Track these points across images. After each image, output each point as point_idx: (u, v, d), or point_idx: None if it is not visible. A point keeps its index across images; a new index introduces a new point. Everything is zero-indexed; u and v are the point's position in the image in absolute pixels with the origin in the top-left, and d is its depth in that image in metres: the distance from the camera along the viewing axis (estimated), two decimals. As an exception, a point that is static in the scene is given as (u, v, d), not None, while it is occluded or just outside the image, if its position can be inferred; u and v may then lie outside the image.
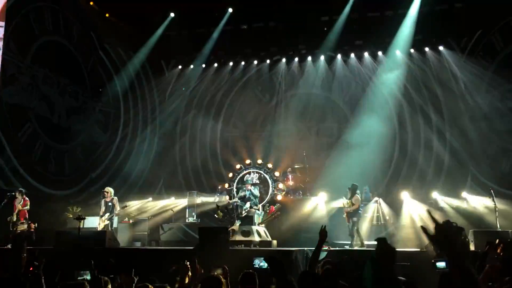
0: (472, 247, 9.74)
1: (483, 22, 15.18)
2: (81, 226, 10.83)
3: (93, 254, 9.02)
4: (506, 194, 14.04)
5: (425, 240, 8.94)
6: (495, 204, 11.59)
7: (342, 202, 12.43)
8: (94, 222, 12.30)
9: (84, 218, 10.59)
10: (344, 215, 12.16)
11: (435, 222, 2.12)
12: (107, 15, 15.97)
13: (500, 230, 10.89)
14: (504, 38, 15.01)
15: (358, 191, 12.32)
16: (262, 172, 13.93)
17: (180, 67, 19.06)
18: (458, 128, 16.10)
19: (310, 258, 4.68)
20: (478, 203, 13.90)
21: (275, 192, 13.57)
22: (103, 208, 12.42)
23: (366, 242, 11.93)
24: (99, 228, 12.04)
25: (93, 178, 15.94)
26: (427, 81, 16.81)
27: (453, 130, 16.24)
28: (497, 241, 4.70)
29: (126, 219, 14.21)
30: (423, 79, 16.87)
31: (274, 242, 12.22)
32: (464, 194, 14.60)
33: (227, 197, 13.95)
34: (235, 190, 13.66)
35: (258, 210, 12.76)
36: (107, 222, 12.20)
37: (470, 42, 15.99)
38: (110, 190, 12.70)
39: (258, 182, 13.78)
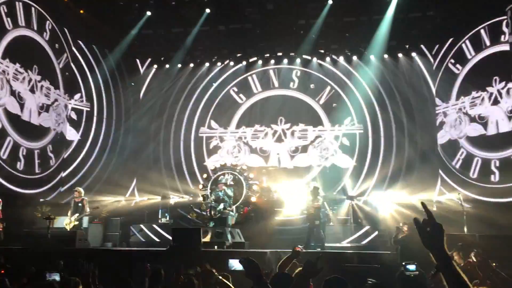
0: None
1: (454, 30, 15.55)
2: (51, 226, 10.64)
3: (63, 254, 8.88)
4: (473, 199, 14.44)
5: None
6: (463, 208, 11.87)
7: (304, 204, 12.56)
8: (63, 222, 12.09)
9: (54, 218, 10.41)
10: (307, 215, 12.24)
11: (428, 214, 2.15)
12: (81, 11, 15.67)
13: (467, 233, 11.15)
14: (474, 47, 15.41)
15: (320, 193, 12.38)
16: (236, 173, 13.96)
17: (155, 66, 18.91)
18: (428, 134, 16.47)
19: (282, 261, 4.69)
20: (447, 206, 14.29)
21: (249, 193, 13.61)
22: (72, 208, 12.22)
23: (337, 244, 12.09)
24: (68, 228, 11.84)
25: (64, 177, 15.64)
26: (400, 86, 17.15)
27: (423, 135, 16.61)
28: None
29: (97, 219, 14.00)
30: (396, 84, 17.20)
31: (247, 243, 12.24)
32: (433, 197, 14.98)
33: (201, 198, 13.91)
34: (209, 191, 13.63)
35: (232, 211, 12.77)
36: (76, 222, 12.01)
37: (442, 49, 16.37)
38: (80, 190, 12.51)
39: (232, 183, 13.80)
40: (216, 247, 11.20)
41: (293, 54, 17.86)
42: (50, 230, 10.64)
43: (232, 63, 18.59)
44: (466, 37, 15.34)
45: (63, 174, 15.70)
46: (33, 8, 14.29)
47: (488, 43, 14.73)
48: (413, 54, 17.02)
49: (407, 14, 15.64)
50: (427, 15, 15.69)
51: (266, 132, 18.13)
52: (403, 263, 4.55)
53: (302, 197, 12.74)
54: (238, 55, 18.46)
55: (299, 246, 5.56)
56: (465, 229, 11.53)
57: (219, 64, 18.70)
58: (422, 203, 2.29)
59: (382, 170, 16.77)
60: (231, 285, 4.15)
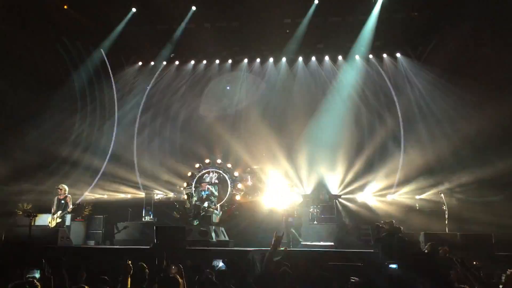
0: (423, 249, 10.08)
1: (438, 31, 15.71)
2: (32, 224, 10.49)
3: (44, 252, 8.77)
4: (457, 198, 14.65)
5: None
6: (445, 207, 12.01)
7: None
8: (46, 220, 11.94)
9: (36, 216, 10.24)
10: (281, 213, 12.30)
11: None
12: (65, 7, 15.45)
13: (448, 232, 11.29)
14: (457, 48, 15.59)
15: (296, 191, 12.47)
16: (221, 172, 13.94)
17: (140, 63, 18.75)
18: (413, 133, 16.63)
19: (265, 259, 4.70)
20: (429, 205, 14.49)
21: (234, 192, 13.60)
22: (55, 206, 12.07)
23: (321, 243, 12.16)
24: (51, 226, 11.70)
25: (46, 174, 15.43)
26: (384, 86, 17.29)
27: (407, 134, 16.77)
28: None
29: (80, 217, 13.84)
30: (381, 84, 17.33)
31: (232, 242, 12.24)
32: (416, 196, 15.16)
33: (185, 196, 13.84)
34: (193, 189, 13.59)
35: (216, 209, 12.75)
36: (59, 220, 11.87)
37: (426, 51, 16.54)
38: (64, 187, 12.36)
39: (217, 181, 13.79)
40: (200, 245, 11.17)
41: (279, 52, 17.83)
42: (32, 228, 10.48)
43: (217, 61, 18.51)
44: (449, 39, 15.53)
45: (46, 171, 15.50)
46: (15, 3, 14.06)
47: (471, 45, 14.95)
48: (398, 55, 17.17)
49: (392, 14, 15.78)
50: (411, 16, 15.81)
51: (251, 131, 18.07)
52: (386, 263, 4.61)
53: (284, 195, 12.80)
54: (224, 53, 18.39)
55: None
56: (446, 228, 11.67)
57: (204, 62, 18.61)
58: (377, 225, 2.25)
59: (367, 169, 16.86)
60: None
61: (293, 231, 11.94)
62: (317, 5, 15.44)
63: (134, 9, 16.04)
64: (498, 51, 13.71)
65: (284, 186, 13.33)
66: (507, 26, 13.69)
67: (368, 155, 17.04)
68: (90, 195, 16.24)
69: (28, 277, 4.94)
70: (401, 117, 16.97)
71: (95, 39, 16.87)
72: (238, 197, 13.48)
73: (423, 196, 15.39)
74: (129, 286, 4.51)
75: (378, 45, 17.04)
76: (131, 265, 4.76)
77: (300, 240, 11.87)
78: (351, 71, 17.52)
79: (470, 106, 14.90)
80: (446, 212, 11.91)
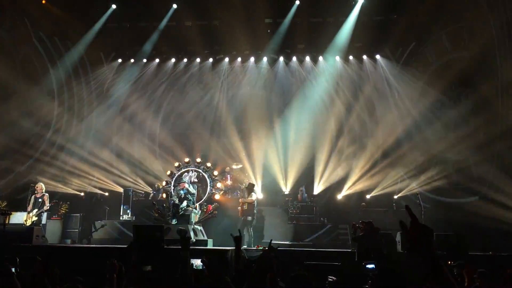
0: (399, 248, 10.25)
1: (417, 35, 15.95)
2: (6, 222, 10.30)
3: (19, 251, 8.62)
4: (433, 199, 14.92)
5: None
6: (421, 207, 12.20)
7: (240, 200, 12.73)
8: (20, 218, 11.74)
9: (10, 214, 10.06)
10: (240, 210, 12.37)
11: (413, 217, 2.06)
12: (43, 1, 15.19)
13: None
14: (436, 51, 15.88)
15: (255, 190, 12.58)
16: (200, 171, 13.89)
17: (120, 60, 18.53)
18: (391, 134, 16.84)
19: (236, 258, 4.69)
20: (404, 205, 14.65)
21: (213, 191, 13.57)
22: (31, 204, 11.87)
23: (300, 242, 12.27)
24: (26, 224, 11.51)
25: (21, 171, 15.15)
26: (364, 88, 17.47)
27: (386, 136, 16.97)
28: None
29: (56, 215, 13.64)
30: (360, 85, 17.51)
31: (211, 241, 12.22)
32: (394, 197, 15.39)
33: (164, 195, 13.75)
34: (172, 188, 13.51)
35: (195, 208, 12.70)
36: (35, 218, 11.68)
37: (405, 53, 16.78)
38: (41, 185, 12.21)
39: (197, 180, 13.73)
40: (178, 244, 11.10)
41: (260, 52, 17.84)
42: (6, 226, 10.29)
43: (198, 60, 18.42)
44: (429, 41, 15.80)
45: (22, 169, 15.22)
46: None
47: (449, 48, 15.24)
48: (377, 57, 17.37)
49: (372, 17, 15.96)
50: (390, 19, 16.01)
51: (231, 130, 18.06)
52: (363, 263, 4.68)
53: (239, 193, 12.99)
54: (205, 51, 18.31)
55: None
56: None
57: (185, 60, 18.50)
58: (407, 207, 2.22)
59: (346, 168, 17.02)
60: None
61: (251, 230, 12.11)
62: (298, 5, 15.53)
63: (114, 6, 15.87)
64: (474, 55, 14.02)
65: (243, 184, 13.49)
66: (483, 30, 13.99)
67: (347, 155, 17.21)
68: (66, 189, 15.98)
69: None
70: (380, 118, 17.17)
71: (74, 35, 16.59)
72: (217, 196, 13.46)
73: (401, 194, 15.65)
74: (115, 285, 4.46)
75: (358, 47, 17.23)
76: (116, 264, 4.71)
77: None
78: (331, 72, 17.66)
79: (447, 108, 15.21)
80: (423, 212, 12.10)
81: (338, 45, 16.65)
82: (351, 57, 17.53)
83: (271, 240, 4.63)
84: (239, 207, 12.47)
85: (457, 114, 14.93)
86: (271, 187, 16.56)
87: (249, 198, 12.30)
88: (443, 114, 15.40)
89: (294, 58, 18.02)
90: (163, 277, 5.04)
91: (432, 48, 16.00)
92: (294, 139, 17.17)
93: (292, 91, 17.99)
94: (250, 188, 12.55)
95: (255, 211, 12.29)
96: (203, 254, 8.98)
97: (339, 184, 16.73)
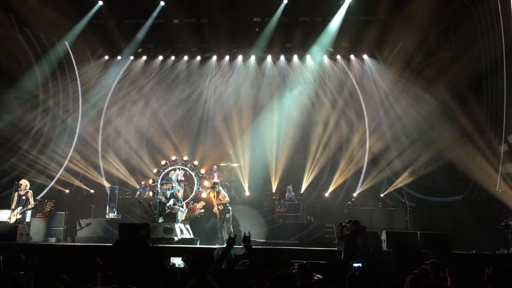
0: (384, 247, 10.32)
1: (404, 35, 16.05)
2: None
3: (2, 249, 8.51)
4: (418, 198, 15.09)
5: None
6: (406, 206, 12.30)
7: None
8: (4, 216, 11.58)
9: (-7, 212, 9.93)
10: (216, 211, 12.37)
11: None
12: (29, -3, 14.98)
13: (410, 231, 11.57)
14: (422, 52, 16.04)
15: (220, 188, 12.57)
16: (187, 169, 13.84)
17: (106, 57, 18.35)
18: (377, 133, 16.98)
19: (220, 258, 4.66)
20: (391, 204, 14.88)
21: (200, 189, 13.53)
22: (15, 201, 11.71)
23: (286, 241, 12.32)
24: (10, 222, 11.36)
25: (5, 168, 14.96)
26: (351, 87, 17.55)
27: (372, 135, 17.10)
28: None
29: (41, 213, 13.49)
30: (348, 85, 17.58)
31: (197, 239, 12.19)
32: (380, 195, 15.53)
33: (151, 193, 13.67)
34: (159, 186, 13.44)
35: (182, 207, 12.64)
36: (19, 216, 11.54)
37: (392, 53, 16.89)
38: (25, 182, 12.02)
39: (183, 179, 13.67)
40: (164, 242, 11.07)
41: (248, 50, 17.80)
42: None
43: (186, 57, 18.33)
44: (416, 42, 15.93)
45: (5, 166, 15.04)
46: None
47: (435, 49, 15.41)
48: (365, 56, 17.45)
49: (359, 17, 16.04)
50: (377, 19, 16.08)
51: (218, 129, 18.02)
52: (349, 262, 4.71)
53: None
54: (193, 49, 18.23)
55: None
56: (408, 226, 11.97)
57: (173, 58, 18.40)
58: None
59: (332, 168, 17.10)
60: None
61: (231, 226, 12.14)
62: (286, 4, 15.54)
63: (101, 2, 15.72)
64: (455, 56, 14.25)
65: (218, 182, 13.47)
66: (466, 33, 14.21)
67: (333, 154, 17.29)
68: (54, 185, 15.86)
69: None
70: (367, 116, 17.27)
71: (59, 31, 16.39)
72: (204, 195, 13.42)
73: (386, 192, 15.78)
74: (100, 283, 4.44)
75: (346, 46, 17.31)
76: (100, 262, 4.69)
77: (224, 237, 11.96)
78: (318, 71, 17.72)
79: (432, 108, 15.40)
80: (408, 211, 12.20)
81: (326, 45, 16.72)
82: (338, 57, 17.60)
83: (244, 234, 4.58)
84: (215, 209, 12.42)
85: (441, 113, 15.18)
86: (258, 186, 16.57)
87: (223, 199, 12.28)
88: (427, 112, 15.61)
89: (282, 57, 18.02)
90: (147, 275, 5.01)
91: (418, 49, 16.17)
92: (282, 137, 17.19)
93: (280, 90, 17.99)
94: (214, 187, 12.54)
95: (229, 207, 12.31)
96: (189, 252, 8.96)
97: (325, 182, 16.82)
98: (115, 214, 14.48)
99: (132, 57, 18.23)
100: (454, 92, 15.09)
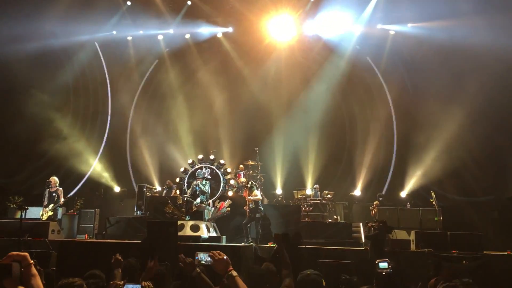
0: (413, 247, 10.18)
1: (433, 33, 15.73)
2: (23, 216, 10.43)
3: (34, 245, 8.75)
4: (448, 198, 14.78)
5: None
6: (435, 206, 12.08)
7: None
8: (37, 213, 11.88)
9: (26, 208, 10.18)
10: (246, 209, 12.33)
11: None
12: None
13: (439, 231, 11.37)
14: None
15: (254, 188, 12.48)
16: (214, 167, 13.90)
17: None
18: (402, 133, 16.73)
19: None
20: (421, 203, 14.62)
21: (226, 188, 13.58)
22: (46, 198, 12.01)
23: (313, 240, 12.24)
24: (43, 219, 11.65)
25: (37, 167, 15.35)
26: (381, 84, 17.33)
27: (399, 135, 16.88)
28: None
29: (72, 210, 13.79)
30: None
31: (224, 237, 12.24)
32: (405, 195, 15.28)
33: (178, 191, 13.81)
34: (186, 184, 13.56)
35: (208, 205, 12.72)
36: (50, 213, 11.82)
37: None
38: (55, 179, 12.30)
39: (210, 177, 13.74)
40: (191, 240, 11.16)
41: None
42: (22, 220, 10.42)
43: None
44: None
45: (38, 164, 15.43)
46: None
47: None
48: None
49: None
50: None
51: (244, 127, 18.03)
52: (376, 261, 4.66)
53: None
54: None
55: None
56: (437, 226, 11.77)
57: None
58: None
59: (359, 168, 16.93)
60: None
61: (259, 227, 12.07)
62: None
63: (129, 2, 15.99)
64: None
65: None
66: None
67: (360, 152, 17.09)
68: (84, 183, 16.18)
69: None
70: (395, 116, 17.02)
71: (88, 32, 16.72)
72: (230, 193, 13.47)
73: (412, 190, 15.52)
74: (118, 280, 4.48)
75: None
76: (121, 258, 4.74)
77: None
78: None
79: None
80: (437, 211, 11.99)
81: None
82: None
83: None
84: (245, 207, 12.41)
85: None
86: (284, 185, 16.55)
87: (255, 196, 12.18)
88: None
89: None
90: (173, 272, 5.07)
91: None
92: (309, 137, 17.08)
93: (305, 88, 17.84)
94: (251, 187, 12.49)
95: (261, 208, 12.21)
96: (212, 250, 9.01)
97: (352, 181, 16.67)
98: (143, 211, 14.69)
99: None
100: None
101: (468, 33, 14.14)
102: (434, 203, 12.21)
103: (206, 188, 12.92)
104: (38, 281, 1.84)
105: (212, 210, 12.78)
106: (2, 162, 14.32)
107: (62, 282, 3.55)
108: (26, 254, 1.80)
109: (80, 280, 3.63)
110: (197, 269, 3.59)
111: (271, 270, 4.08)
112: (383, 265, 4.58)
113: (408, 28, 16.34)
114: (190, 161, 14.28)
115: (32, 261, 1.83)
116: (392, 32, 16.72)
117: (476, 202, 14.49)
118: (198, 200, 12.53)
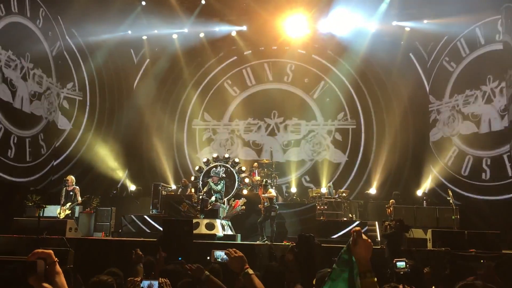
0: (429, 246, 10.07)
1: (449, 28, 15.57)
2: (41, 215, 10.57)
3: (52, 243, 8.86)
4: (464, 196, 14.60)
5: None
6: (453, 205, 11.94)
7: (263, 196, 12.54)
8: (54, 211, 12.04)
9: (44, 207, 10.32)
10: (261, 207, 12.29)
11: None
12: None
13: (457, 230, 11.23)
14: (469, 45, 15.47)
15: (269, 186, 12.44)
16: (228, 166, 13.94)
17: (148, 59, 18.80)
18: (421, 131, 16.56)
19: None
20: (436, 203, 14.45)
21: (241, 186, 13.61)
22: (63, 197, 12.16)
23: (327, 238, 12.22)
24: (60, 217, 11.79)
25: (55, 166, 15.55)
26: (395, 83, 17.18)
27: (416, 132, 16.71)
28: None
29: (88, 209, 13.93)
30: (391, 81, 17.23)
31: (238, 236, 12.27)
32: (422, 193, 15.12)
33: (193, 189, 13.88)
34: (201, 183, 13.62)
35: (223, 204, 12.76)
36: (68, 211, 11.96)
37: (437, 47, 16.41)
38: (72, 178, 12.43)
39: (224, 176, 13.77)
40: (206, 239, 11.21)
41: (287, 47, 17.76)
42: (41, 219, 10.57)
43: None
44: (461, 35, 15.42)
45: (55, 163, 15.61)
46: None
47: (483, 42, 14.82)
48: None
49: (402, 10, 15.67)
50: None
51: (259, 125, 18.13)
52: (393, 260, 4.62)
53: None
54: (233, 47, 18.37)
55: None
56: (454, 225, 11.62)
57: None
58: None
59: (374, 166, 16.83)
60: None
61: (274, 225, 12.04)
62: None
63: (143, 2, 16.08)
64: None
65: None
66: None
67: (377, 152, 16.99)
68: (100, 181, 16.32)
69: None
70: (410, 114, 16.85)
71: (104, 31, 16.85)
72: (245, 191, 13.49)
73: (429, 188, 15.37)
74: (141, 275, 4.53)
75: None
76: (141, 254, 4.79)
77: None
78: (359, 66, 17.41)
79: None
80: (454, 209, 11.85)
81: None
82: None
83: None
84: (260, 205, 12.42)
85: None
86: (299, 183, 16.53)
87: (270, 194, 12.19)
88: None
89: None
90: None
91: (465, 41, 15.62)
92: (323, 134, 17.04)
93: (321, 86, 17.81)
94: (265, 185, 12.49)
95: (276, 206, 12.22)
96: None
97: (368, 179, 16.57)
98: (158, 210, 14.79)
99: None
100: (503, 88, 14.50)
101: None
102: (451, 201, 12.06)
103: (219, 188, 12.95)
104: (62, 279, 1.86)
105: (227, 209, 12.82)
106: (21, 159, 14.52)
107: (93, 279, 3.62)
108: (51, 251, 1.82)
109: (111, 278, 3.69)
110: (206, 272, 3.60)
111: (288, 267, 4.09)
112: (401, 264, 4.53)
113: (424, 24, 16.15)
114: (204, 159, 14.34)
115: (56, 259, 1.85)
116: (407, 29, 16.51)
117: (493, 201, 14.27)
118: (213, 198, 12.58)
